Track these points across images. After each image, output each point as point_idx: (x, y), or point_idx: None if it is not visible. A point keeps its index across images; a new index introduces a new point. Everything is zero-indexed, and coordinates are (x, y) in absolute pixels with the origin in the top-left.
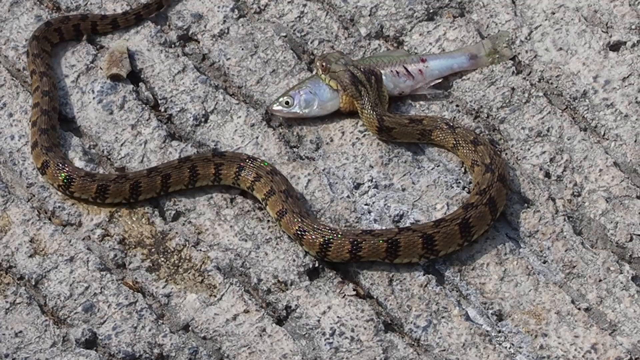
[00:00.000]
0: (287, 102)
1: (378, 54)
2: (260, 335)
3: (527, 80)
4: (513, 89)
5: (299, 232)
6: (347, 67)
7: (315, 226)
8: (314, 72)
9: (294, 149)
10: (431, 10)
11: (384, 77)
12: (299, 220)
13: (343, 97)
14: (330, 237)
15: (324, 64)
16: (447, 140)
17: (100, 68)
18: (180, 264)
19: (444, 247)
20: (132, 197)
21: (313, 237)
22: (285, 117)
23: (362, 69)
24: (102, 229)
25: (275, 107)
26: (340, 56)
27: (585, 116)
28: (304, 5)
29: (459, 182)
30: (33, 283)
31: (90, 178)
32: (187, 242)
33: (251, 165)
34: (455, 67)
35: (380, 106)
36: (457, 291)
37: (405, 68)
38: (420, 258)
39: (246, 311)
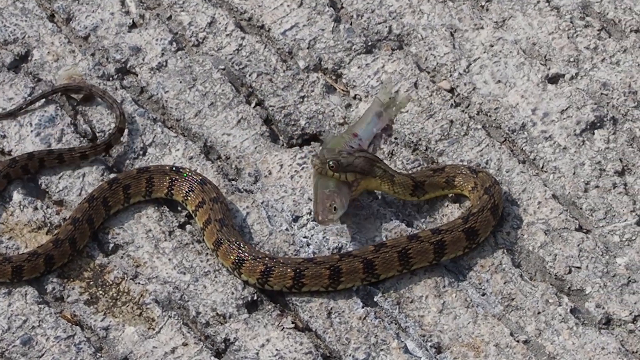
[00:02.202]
0: (335, 208)
1: (329, 143)
2: None
3: (466, 112)
4: (451, 121)
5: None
6: (350, 156)
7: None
8: (315, 178)
9: (233, 181)
10: (369, 43)
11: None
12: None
13: (360, 185)
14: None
15: (332, 164)
16: (467, 185)
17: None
18: (118, 297)
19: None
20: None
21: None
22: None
23: (357, 152)
24: None
25: (330, 217)
26: (332, 151)
27: (523, 149)
28: (242, 38)
29: (398, 215)
30: None
31: None
32: (125, 275)
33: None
34: (375, 131)
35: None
36: (395, 323)
37: (351, 147)
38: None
39: (185, 344)
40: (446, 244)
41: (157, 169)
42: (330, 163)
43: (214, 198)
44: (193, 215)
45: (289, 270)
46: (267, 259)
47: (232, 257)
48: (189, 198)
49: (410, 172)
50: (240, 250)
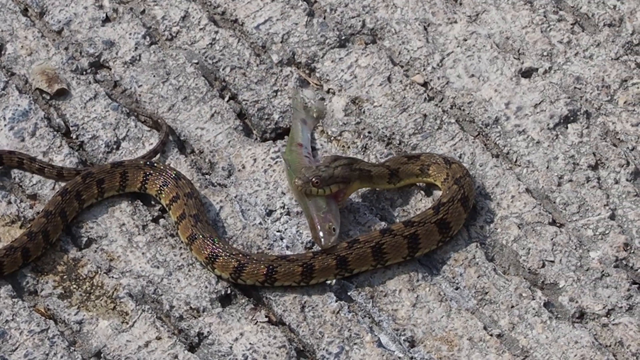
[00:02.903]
0: (334, 229)
1: (290, 160)
2: None
3: (439, 106)
4: (425, 115)
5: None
6: (328, 168)
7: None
8: (302, 201)
9: (206, 175)
10: (343, 37)
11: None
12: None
13: (346, 194)
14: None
15: (314, 180)
16: (440, 175)
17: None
18: (92, 290)
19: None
20: None
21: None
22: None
23: (332, 162)
24: None
25: (332, 240)
26: (310, 169)
27: (497, 143)
28: (216, 32)
29: (372, 209)
30: None
31: None
32: (99, 269)
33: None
34: (309, 136)
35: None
36: (369, 317)
37: (307, 156)
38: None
39: (158, 338)
40: (419, 237)
41: (131, 164)
42: (313, 180)
43: (188, 193)
44: (167, 209)
45: (262, 267)
46: (240, 255)
47: (206, 253)
48: (163, 193)
49: (385, 160)
50: (214, 246)
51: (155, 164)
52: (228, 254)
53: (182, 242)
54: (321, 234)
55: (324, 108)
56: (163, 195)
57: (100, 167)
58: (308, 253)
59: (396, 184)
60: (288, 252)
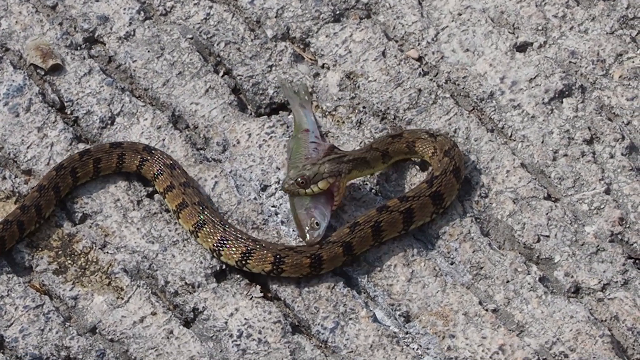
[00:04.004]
0: (316, 224)
1: (294, 159)
2: (168, 338)
3: (434, 81)
4: (420, 90)
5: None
6: (314, 166)
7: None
8: (291, 200)
9: (201, 151)
10: (337, 12)
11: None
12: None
13: (340, 188)
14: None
15: (299, 180)
16: (427, 150)
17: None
18: (87, 266)
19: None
20: None
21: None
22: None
23: (320, 159)
24: None
25: (316, 235)
26: (296, 169)
27: (492, 117)
28: (210, 7)
29: (366, 184)
30: None
31: None
32: (94, 245)
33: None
34: (313, 119)
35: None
36: (364, 293)
37: (313, 142)
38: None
39: (153, 313)
40: (414, 212)
41: (130, 146)
42: (299, 180)
43: (185, 183)
44: (162, 196)
45: (269, 254)
46: (250, 240)
47: (214, 239)
48: (158, 180)
49: (371, 143)
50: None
51: (152, 150)
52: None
53: (186, 230)
54: (305, 230)
55: (307, 88)
56: (158, 183)
57: (98, 147)
58: (315, 245)
59: (388, 162)
60: (283, 227)
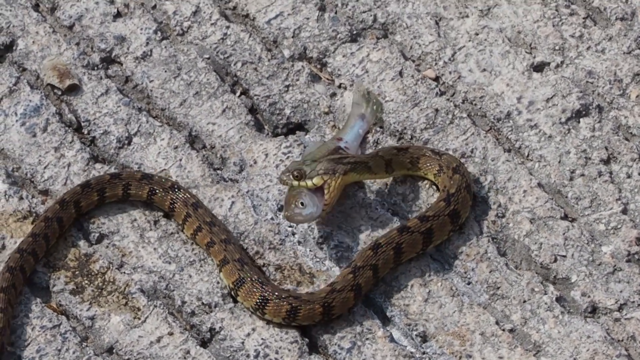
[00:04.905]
0: (301, 204)
1: (309, 153)
2: (185, 358)
3: (451, 101)
4: (437, 110)
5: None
6: (313, 162)
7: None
8: (289, 190)
9: (218, 171)
10: (354, 32)
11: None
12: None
13: (331, 186)
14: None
15: (295, 173)
16: (432, 167)
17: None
18: (104, 286)
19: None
20: None
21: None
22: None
23: (325, 156)
24: None
25: (296, 212)
26: (298, 163)
27: (509, 137)
28: (227, 27)
29: (384, 204)
30: None
31: None
32: (111, 265)
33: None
34: (361, 132)
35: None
36: (381, 312)
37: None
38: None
39: (170, 333)
40: (434, 231)
41: (159, 182)
42: (295, 173)
43: (210, 222)
44: (181, 228)
45: (316, 306)
46: (291, 298)
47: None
48: (187, 223)
49: (377, 150)
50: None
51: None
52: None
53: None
54: (292, 205)
55: (380, 104)
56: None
57: (158, 179)
58: (348, 275)
59: (391, 173)
60: (300, 248)
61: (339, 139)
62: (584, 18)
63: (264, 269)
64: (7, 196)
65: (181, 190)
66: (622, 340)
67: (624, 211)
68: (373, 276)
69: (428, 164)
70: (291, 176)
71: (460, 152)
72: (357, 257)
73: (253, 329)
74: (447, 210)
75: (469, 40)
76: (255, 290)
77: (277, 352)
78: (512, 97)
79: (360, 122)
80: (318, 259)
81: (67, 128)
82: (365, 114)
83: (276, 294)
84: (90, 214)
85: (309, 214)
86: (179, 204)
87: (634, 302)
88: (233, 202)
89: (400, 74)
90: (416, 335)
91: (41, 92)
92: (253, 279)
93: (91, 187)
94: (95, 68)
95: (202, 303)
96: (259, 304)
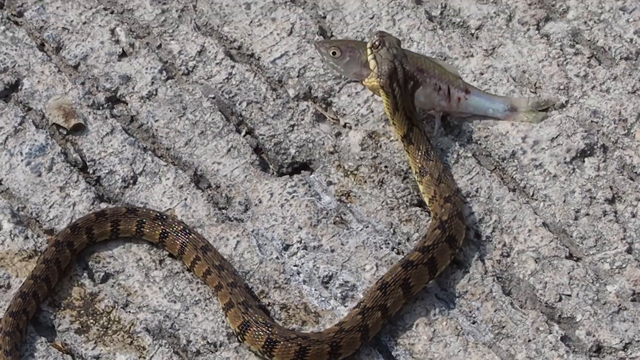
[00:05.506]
0: (333, 53)
1: (434, 60)
2: None
3: (456, 141)
4: (442, 149)
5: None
6: (394, 59)
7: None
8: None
9: (223, 210)
10: None
11: (423, 88)
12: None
13: (372, 79)
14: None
15: (377, 42)
16: (428, 191)
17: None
18: (109, 325)
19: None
20: None
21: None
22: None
23: (405, 69)
24: None
25: (322, 49)
26: (396, 44)
27: (514, 177)
28: (232, 67)
29: (388, 243)
30: None
31: None
32: (116, 304)
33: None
34: (490, 112)
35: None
36: (386, 351)
37: (449, 89)
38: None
39: None
40: (436, 259)
41: (171, 226)
42: (376, 42)
43: (219, 266)
44: (190, 269)
45: (325, 346)
46: (299, 338)
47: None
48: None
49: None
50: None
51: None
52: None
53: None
54: (330, 40)
55: (542, 118)
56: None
57: (145, 211)
58: (357, 316)
59: (407, 146)
60: (305, 287)
61: (467, 91)
62: (588, 57)
63: (269, 308)
64: (12, 235)
65: (192, 233)
66: None
67: (629, 250)
68: (382, 316)
69: (428, 185)
70: (374, 38)
71: (465, 192)
72: (365, 297)
73: None
74: (444, 237)
75: (474, 80)
76: (261, 333)
77: None
78: (516, 136)
79: (503, 107)
80: (323, 298)
81: (72, 167)
82: (518, 109)
83: (283, 335)
84: (95, 253)
85: (330, 63)
86: (189, 247)
87: (639, 341)
88: (238, 242)
89: None
90: None
91: (46, 132)
92: (258, 321)
93: (106, 216)
94: (101, 107)
95: (208, 342)
96: (266, 346)
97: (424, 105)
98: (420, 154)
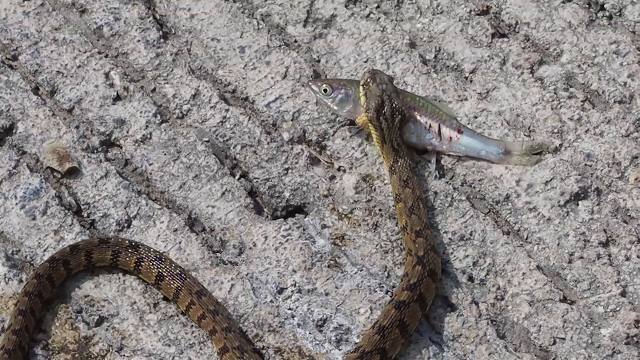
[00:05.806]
0: (325, 90)
1: (428, 99)
2: None
3: (450, 184)
4: (436, 192)
5: None
6: (382, 93)
7: None
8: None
9: (217, 253)
10: None
11: (413, 125)
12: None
13: (362, 114)
14: None
15: (368, 79)
16: (402, 218)
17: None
18: None
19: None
20: None
21: None
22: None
23: (393, 103)
24: None
25: (314, 87)
26: (387, 80)
27: (508, 220)
28: (226, 111)
29: (382, 287)
30: None
31: None
32: (110, 348)
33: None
34: (483, 155)
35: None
36: None
37: (439, 127)
38: None
39: None
40: (424, 294)
41: (168, 270)
42: (368, 78)
43: (214, 310)
44: (185, 313)
45: None
46: None
47: None
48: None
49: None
50: None
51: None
52: None
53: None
54: (321, 80)
55: (536, 162)
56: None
57: (147, 248)
58: (351, 354)
59: (391, 175)
60: (299, 330)
61: (460, 130)
62: (582, 101)
63: (264, 351)
64: (6, 279)
65: (187, 277)
66: None
67: (623, 294)
68: (380, 358)
69: (400, 213)
70: (366, 76)
71: (459, 235)
72: (363, 342)
73: None
74: (425, 272)
75: (468, 123)
76: None
77: None
78: (510, 179)
79: (496, 150)
80: (317, 342)
81: (66, 211)
82: (511, 153)
83: None
84: (90, 297)
85: (322, 101)
86: (184, 291)
87: None
88: (232, 285)
89: None
90: None
91: (41, 175)
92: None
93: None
94: (95, 151)
95: None
96: None
97: (416, 145)
98: (400, 182)
